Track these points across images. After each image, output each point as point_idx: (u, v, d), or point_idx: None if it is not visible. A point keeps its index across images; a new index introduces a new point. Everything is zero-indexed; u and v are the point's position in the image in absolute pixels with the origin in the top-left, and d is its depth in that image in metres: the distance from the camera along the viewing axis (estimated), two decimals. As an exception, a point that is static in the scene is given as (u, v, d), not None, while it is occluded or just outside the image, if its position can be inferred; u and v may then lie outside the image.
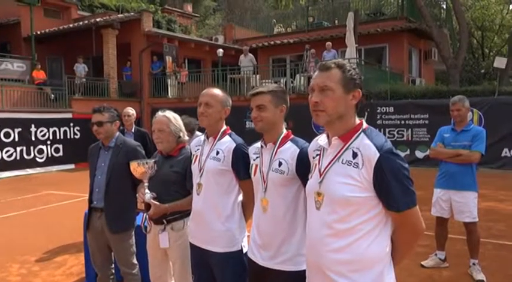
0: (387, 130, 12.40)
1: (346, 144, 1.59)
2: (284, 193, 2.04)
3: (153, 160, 2.76)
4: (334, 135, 1.63)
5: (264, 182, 2.08)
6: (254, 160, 2.20)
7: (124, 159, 3.01)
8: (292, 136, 2.14)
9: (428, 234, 5.20)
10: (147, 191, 2.63)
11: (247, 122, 13.51)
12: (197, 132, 4.72)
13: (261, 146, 2.17)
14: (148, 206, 2.60)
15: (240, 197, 2.41)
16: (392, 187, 1.49)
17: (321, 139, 1.70)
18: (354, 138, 1.58)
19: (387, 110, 12.40)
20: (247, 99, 12.19)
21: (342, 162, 1.56)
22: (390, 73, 14.66)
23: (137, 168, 2.66)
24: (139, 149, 3.19)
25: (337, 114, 1.58)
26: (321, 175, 1.62)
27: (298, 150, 2.03)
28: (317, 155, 1.71)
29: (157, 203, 2.60)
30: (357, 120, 1.63)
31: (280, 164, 2.05)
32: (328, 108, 1.58)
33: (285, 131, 2.14)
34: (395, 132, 12.35)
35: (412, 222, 1.55)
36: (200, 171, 2.40)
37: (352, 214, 1.54)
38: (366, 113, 12.40)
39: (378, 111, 12.48)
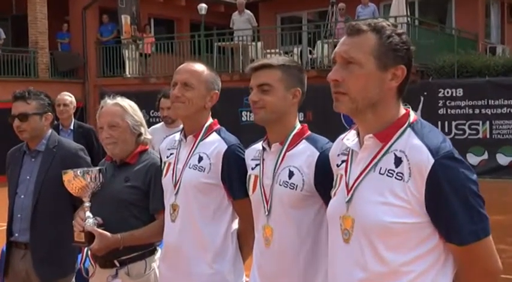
0: (454, 123, 12.37)
1: (385, 145, 1.59)
2: (298, 218, 2.04)
3: (98, 168, 2.76)
4: (367, 132, 1.63)
5: (267, 202, 2.09)
6: (253, 169, 2.22)
7: (59, 169, 2.91)
8: (308, 133, 2.16)
9: (517, 278, 5.28)
10: (88, 214, 2.61)
11: (243, 113, 13.49)
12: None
13: (263, 148, 2.19)
14: (90, 237, 2.57)
15: (235, 225, 2.43)
16: (453, 209, 1.49)
17: (349, 138, 1.71)
18: (396, 136, 1.59)
19: (454, 93, 12.37)
20: (244, 77, 11.71)
21: (380, 172, 1.57)
22: (458, 38, 14.57)
23: (73, 180, 2.63)
24: (82, 154, 3.19)
25: (367, 101, 1.59)
26: (349, 191, 1.62)
27: (317, 154, 2.05)
28: (343, 161, 1.72)
29: (105, 232, 2.56)
30: (402, 110, 1.64)
31: (291, 174, 2.06)
32: (352, 91, 1.58)
33: (298, 126, 2.16)
34: (465, 127, 12.33)
35: (483, 259, 1.55)
36: (175, 186, 2.41)
37: (397, 249, 1.54)
38: (422, 99, 12.37)
39: (440, 95, 12.44)
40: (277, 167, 2.10)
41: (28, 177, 3.10)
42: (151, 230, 2.61)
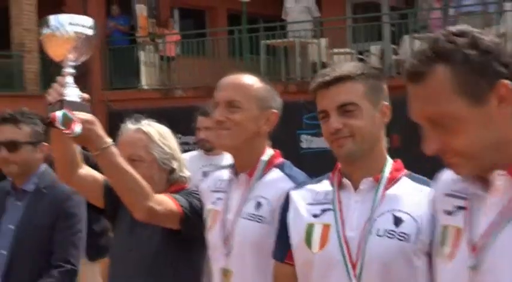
0: None
1: None
2: None
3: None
4: (493, 165, 1.51)
5: (353, 262, 2.02)
6: (316, 217, 2.14)
7: (44, 218, 3.09)
8: (404, 171, 2.12)
9: None
10: (68, 80, 2.47)
11: (302, 137, 12.92)
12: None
13: (338, 187, 2.12)
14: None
15: None
16: None
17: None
18: None
19: None
20: (302, 88, 11.62)
21: None
22: None
23: (53, 39, 2.53)
24: (76, 198, 3.15)
25: (489, 151, 1.51)
26: (476, 253, 1.52)
27: (428, 190, 1.99)
28: (459, 208, 1.63)
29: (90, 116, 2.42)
30: None
31: (397, 220, 2.00)
32: (470, 151, 1.52)
33: (390, 160, 2.14)
34: None
35: None
36: (226, 244, 2.38)
37: None
38: None
39: None
40: (374, 211, 2.03)
41: (10, 225, 3.18)
42: None
